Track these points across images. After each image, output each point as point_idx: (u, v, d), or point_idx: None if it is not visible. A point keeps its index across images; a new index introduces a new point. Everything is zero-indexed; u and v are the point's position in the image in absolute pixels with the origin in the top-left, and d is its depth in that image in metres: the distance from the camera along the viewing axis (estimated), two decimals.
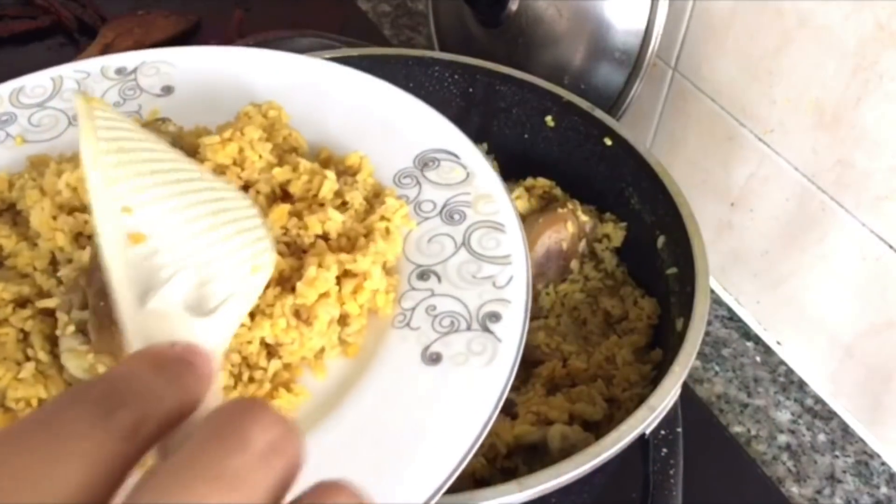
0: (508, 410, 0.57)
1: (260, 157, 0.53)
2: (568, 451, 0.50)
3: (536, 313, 0.67)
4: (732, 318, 0.83)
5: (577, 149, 0.71)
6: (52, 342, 0.47)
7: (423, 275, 0.51)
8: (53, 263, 0.50)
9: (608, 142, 0.68)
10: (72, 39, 0.96)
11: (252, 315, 0.46)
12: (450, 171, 0.56)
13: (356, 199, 0.52)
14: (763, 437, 0.74)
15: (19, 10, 0.98)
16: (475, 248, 0.52)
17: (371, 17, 1.14)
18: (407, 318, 0.49)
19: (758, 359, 0.80)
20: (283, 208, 0.50)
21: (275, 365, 0.47)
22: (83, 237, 0.49)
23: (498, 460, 0.55)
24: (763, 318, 0.82)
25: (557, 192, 0.71)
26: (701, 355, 0.79)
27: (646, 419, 0.50)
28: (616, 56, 0.77)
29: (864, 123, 0.65)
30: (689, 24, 0.77)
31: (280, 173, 0.52)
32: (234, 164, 0.52)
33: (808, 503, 0.70)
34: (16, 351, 0.46)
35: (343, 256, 0.48)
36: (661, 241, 0.65)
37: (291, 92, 0.60)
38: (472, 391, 0.44)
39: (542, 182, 0.71)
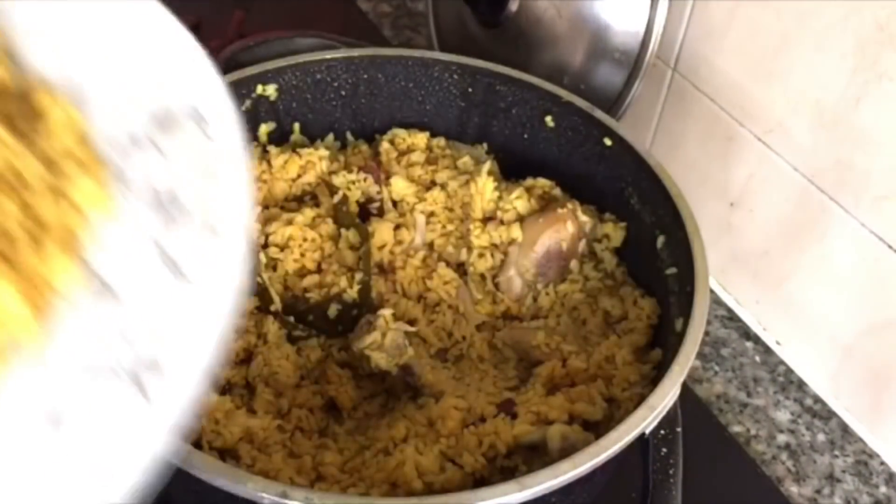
0: (508, 410, 0.57)
1: None
2: (568, 450, 0.50)
3: (536, 313, 0.67)
4: (732, 318, 0.83)
5: (576, 149, 0.71)
6: None
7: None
8: None
9: (608, 142, 0.69)
10: None
11: None
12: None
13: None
14: (762, 436, 0.74)
15: None
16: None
17: (371, 18, 1.14)
18: None
19: (757, 359, 0.80)
20: None
21: None
22: None
23: (497, 460, 0.55)
24: (762, 318, 0.82)
25: (557, 192, 0.71)
26: (700, 355, 0.79)
27: (645, 419, 0.50)
28: (616, 56, 0.77)
29: (863, 124, 0.65)
30: (689, 24, 0.77)
31: None
32: None
33: (808, 503, 0.70)
34: None
35: None
36: (660, 241, 0.65)
37: None
38: None
39: (542, 182, 0.71)
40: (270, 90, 0.71)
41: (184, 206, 0.38)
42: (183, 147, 0.39)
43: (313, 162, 0.71)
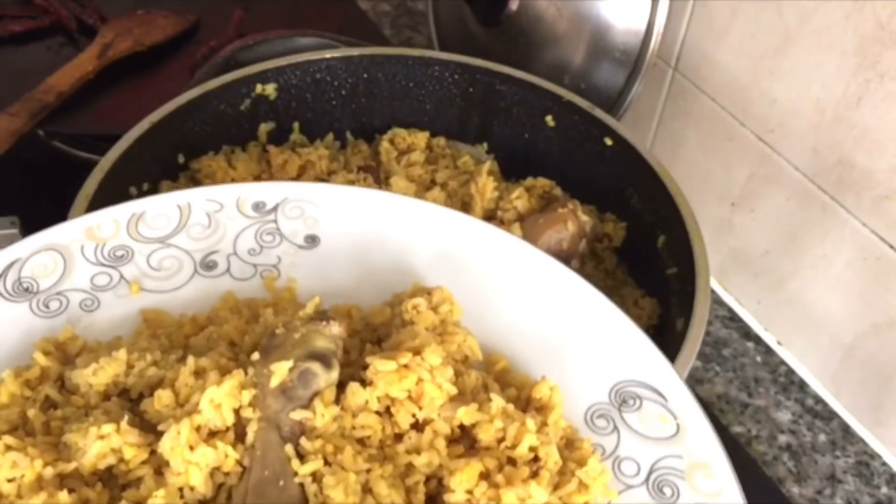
0: None
1: (440, 388, 0.42)
2: None
3: None
4: (733, 319, 0.83)
5: (577, 148, 0.71)
6: None
7: None
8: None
9: (608, 141, 0.68)
10: (71, 39, 0.96)
11: None
12: (656, 418, 0.44)
13: (551, 457, 0.42)
14: (764, 437, 0.74)
15: (19, 9, 0.98)
16: None
17: (371, 17, 1.14)
18: None
19: (758, 359, 0.80)
20: (473, 468, 0.40)
21: None
22: (219, 472, 0.40)
23: None
24: (764, 319, 0.82)
25: (557, 191, 0.71)
26: (701, 355, 0.79)
27: None
28: (616, 56, 0.77)
29: (864, 123, 0.65)
30: (690, 23, 0.77)
31: (466, 415, 0.42)
32: (410, 398, 0.42)
33: (809, 503, 0.70)
34: None
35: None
36: (661, 241, 0.64)
37: (457, 266, 0.50)
38: None
39: (543, 182, 0.71)
40: (270, 89, 0.71)
41: (672, 483, 0.42)
42: (649, 421, 0.44)
43: (313, 161, 0.70)
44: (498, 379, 0.46)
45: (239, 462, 0.40)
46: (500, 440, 0.42)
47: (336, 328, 0.45)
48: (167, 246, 0.50)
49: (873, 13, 0.61)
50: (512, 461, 0.42)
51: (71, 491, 0.39)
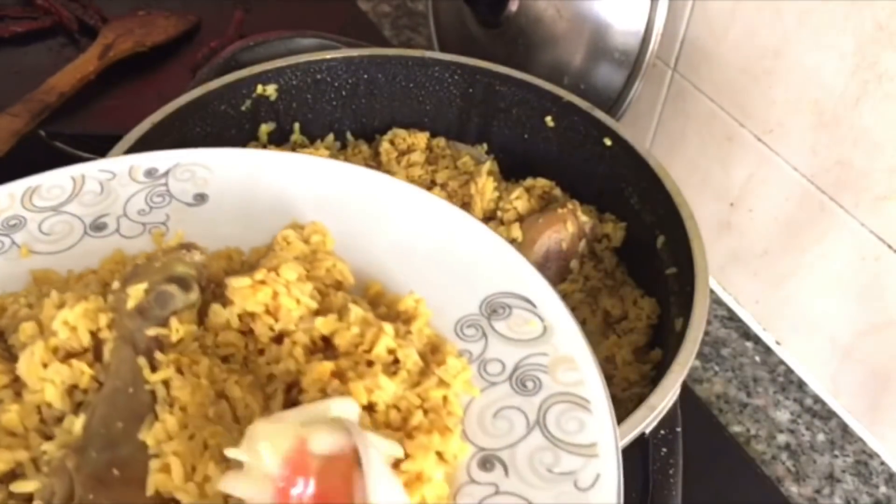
0: None
1: (298, 302, 0.44)
2: None
3: None
4: (732, 318, 0.83)
5: (576, 149, 0.71)
6: None
7: (486, 462, 0.40)
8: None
9: (608, 142, 0.69)
10: (72, 40, 0.96)
11: None
12: (523, 322, 0.46)
13: (410, 357, 0.43)
14: (762, 436, 0.74)
15: (20, 10, 0.98)
16: (552, 431, 0.41)
17: (371, 18, 1.14)
18: None
19: (757, 358, 0.80)
20: (324, 367, 0.41)
21: None
22: (78, 390, 0.41)
23: None
24: (762, 318, 0.82)
25: (557, 192, 0.71)
26: (700, 355, 0.79)
27: (645, 419, 0.50)
28: (616, 56, 0.77)
29: (863, 124, 0.65)
30: (689, 24, 0.77)
31: (323, 324, 0.44)
32: (267, 311, 0.44)
33: (808, 503, 0.70)
34: None
35: (394, 446, 0.39)
36: (660, 241, 0.65)
37: (338, 207, 0.52)
38: None
39: (542, 182, 0.71)
40: (270, 90, 0.71)
41: (535, 377, 0.44)
42: (516, 326, 0.46)
43: None
44: (371, 302, 0.48)
45: (95, 379, 0.41)
46: (358, 345, 0.43)
47: (198, 256, 0.46)
48: (59, 213, 0.52)
49: (872, 14, 0.61)
50: (370, 364, 0.43)
51: None
